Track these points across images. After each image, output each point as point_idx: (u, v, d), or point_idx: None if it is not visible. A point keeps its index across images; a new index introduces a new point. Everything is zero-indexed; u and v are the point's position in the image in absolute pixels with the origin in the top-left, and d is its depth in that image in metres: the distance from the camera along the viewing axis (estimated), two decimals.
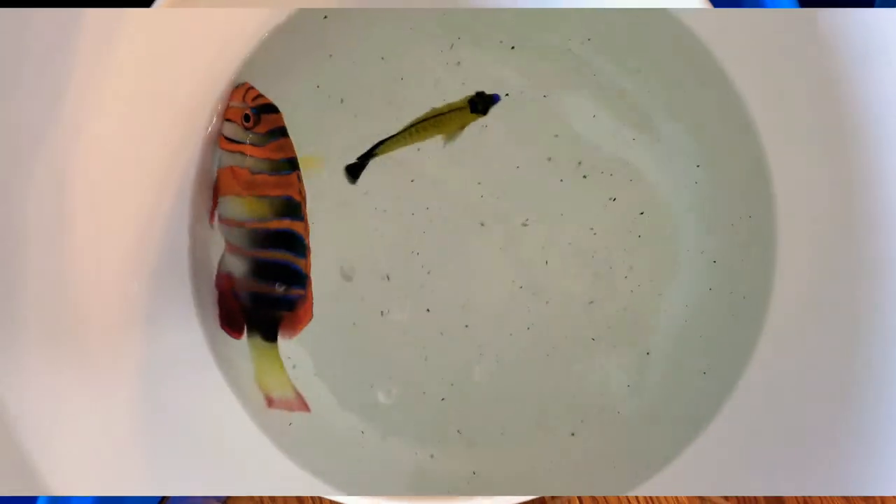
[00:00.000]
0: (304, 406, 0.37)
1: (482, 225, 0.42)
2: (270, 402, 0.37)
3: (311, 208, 0.37)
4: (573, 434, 0.42)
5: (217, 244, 0.37)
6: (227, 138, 0.35)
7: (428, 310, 0.42)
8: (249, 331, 0.36)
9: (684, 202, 0.42)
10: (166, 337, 0.37)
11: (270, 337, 0.36)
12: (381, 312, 0.42)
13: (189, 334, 0.38)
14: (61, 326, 0.33)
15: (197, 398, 0.38)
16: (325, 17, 0.38)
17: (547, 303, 0.42)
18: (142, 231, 0.36)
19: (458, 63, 0.41)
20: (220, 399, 0.38)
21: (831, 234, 0.38)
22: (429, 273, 0.42)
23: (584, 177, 0.42)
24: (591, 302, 0.42)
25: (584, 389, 0.42)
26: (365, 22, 0.39)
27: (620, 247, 0.42)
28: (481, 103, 0.40)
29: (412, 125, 0.39)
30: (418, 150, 0.40)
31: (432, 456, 0.42)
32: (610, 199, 0.42)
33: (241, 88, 0.36)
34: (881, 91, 0.35)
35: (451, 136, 0.40)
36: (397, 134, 0.39)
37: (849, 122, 0.36)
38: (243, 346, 0.37)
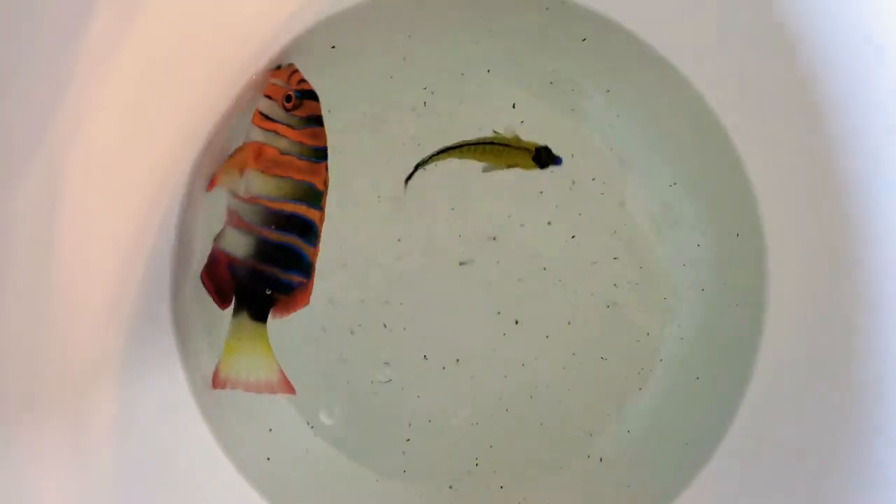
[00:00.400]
0: (290, 388, 0.36)
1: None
2: (222, 383, 0.36)
3: None
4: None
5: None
6: (263, 114, 0.35)
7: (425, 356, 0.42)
8: (237, 307, 0.36)
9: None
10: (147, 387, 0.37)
11: (260, 317, 0.36)
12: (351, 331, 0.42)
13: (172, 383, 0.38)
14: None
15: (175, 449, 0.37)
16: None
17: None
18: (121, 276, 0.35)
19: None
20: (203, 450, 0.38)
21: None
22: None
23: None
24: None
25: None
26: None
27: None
28: (546, 158, 0.40)
29: (473, 143, 0.40)
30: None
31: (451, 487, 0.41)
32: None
33: (286, 69, 0.36)
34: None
35: (494, 168, 0.40)
36: (453, 147, 0.40)
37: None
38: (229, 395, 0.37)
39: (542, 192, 0.41)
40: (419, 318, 0.41)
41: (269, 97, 0.35)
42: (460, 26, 0.40)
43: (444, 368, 0.41)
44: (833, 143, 0.35)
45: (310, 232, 0.36)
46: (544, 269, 0.42)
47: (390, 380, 0.41)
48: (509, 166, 0.40)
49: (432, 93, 0.41)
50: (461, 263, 0.41)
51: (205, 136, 0.37)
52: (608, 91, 0.41)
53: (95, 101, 0.30)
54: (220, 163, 0.36)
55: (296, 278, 0.36)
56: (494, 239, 0.41)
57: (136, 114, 0.32)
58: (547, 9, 0.39)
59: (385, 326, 0.41)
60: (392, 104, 0.41)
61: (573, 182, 0.41)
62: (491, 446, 0.41)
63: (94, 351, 0.33)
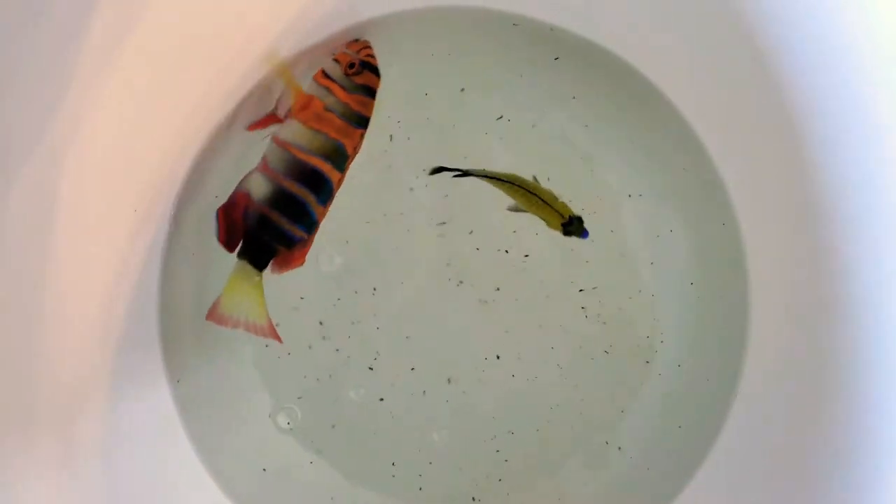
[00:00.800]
0: (276, 335, 0.37)
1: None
2: (217, 317, 0.36)
3: None
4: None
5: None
6: (324, 72, 0.37)
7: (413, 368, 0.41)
8: (241, 252, 0.36)
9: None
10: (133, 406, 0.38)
11: (260, 265, 0.36)
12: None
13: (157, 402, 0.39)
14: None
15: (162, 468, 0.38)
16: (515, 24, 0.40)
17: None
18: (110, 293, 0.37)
19: None
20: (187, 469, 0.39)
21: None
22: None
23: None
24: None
25: None
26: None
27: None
28: (575, 229, 0.40)
29: (512, 181, 0.40)
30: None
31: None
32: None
33: (361, 42, 0.38)
34: None
35: (520, 210, 0.40)
36: (493, 176, 0.40)
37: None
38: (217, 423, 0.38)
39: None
40: (410, 334, 0.41)
41: (336, 61, 0.37)
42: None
43: (436, 386, 0.41)
44: (808, 151, 0.35)
45: (324, 190, 0.36)
46: (540, 286, 0.41)
47: (382, 398, 0.41)
48: (536, 212, 0.40)
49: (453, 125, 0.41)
50: (459, 283, 0.41)
51: (201, 145, 0.39)
52: (574, 98, 0.41)
53: (94, 101, 0.32)
54: (262, 110, 0.38)
55: (298, 232, 0.36)
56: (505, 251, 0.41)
57: (136, 118, 0.34)
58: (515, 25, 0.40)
59: (375, 343, 0.41)
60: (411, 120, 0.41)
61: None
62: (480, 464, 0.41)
63: (83, 368, 0.35)
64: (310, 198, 0.36)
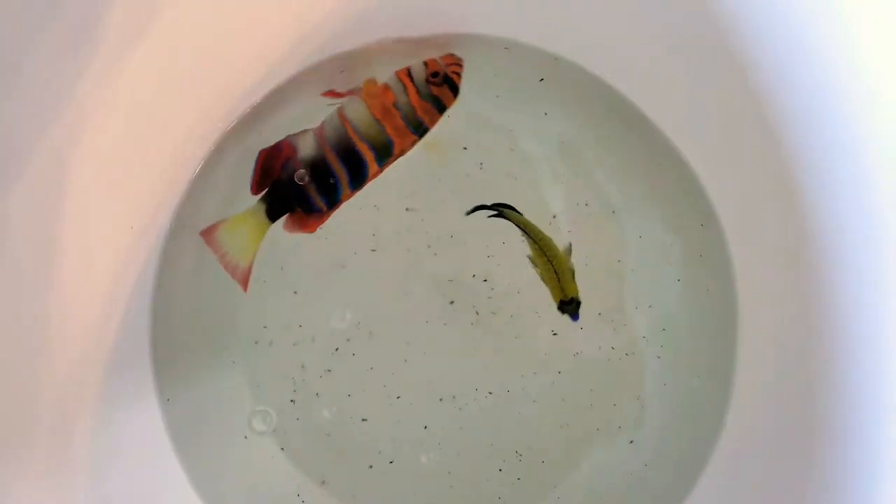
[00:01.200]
0: (245, 284, 0.37)
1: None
2: (209, 236, 0.37)
3: None
4: None
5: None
6: (408, 72, 0.38)
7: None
8: (263, 198, 0.37)
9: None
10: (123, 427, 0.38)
11: (273, 216, 0.37)
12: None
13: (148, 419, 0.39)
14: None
15: (151, 488, 0.39)
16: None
17: None
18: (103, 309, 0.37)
19: None
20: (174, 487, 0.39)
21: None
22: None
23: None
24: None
25: None
26: None
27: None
28: (568, 308, 0.41)
29: (534, 233, 0.41)
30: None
31: None
32: None
33: (454, 57, 0.38)
34: None
35: (534, 266, 0.41)
36: (521, 224, 0.41)
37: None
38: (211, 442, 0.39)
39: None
40: (406, 357, 0.41)
41: (424, 64, 0.38)
42: None
43: (427, 405, 0.41)
44: (786, 156, 0.35)
45: (358, 176, 0.37)
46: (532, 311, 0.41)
47: (365, 419, 0.41)
48: (541, 276, 0.41)
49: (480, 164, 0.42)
50: (451, 302, 0.41)
51: (201, 160, 0.40)
52: (546, 114, 0.41)
53: (103, 102, 0.32)
54: (342, 84, 0.39)
55: (320, 203, 0.37)
56: (485, 280, 0.41)
57: (136, 131, 0.35)
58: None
59: (364, 364, 0.41)
60: None
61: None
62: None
63: (75, 387, 0.35)
64: (343, 177, 0.37)
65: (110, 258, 0.37)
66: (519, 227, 0.41)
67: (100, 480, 0.35)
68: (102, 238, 0.36)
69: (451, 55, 0.38)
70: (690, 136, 0.40)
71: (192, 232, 0.39)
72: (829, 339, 0.34)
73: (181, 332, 0.40)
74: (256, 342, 0.41)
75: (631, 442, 0.41)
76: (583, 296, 0.41)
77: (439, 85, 0.37)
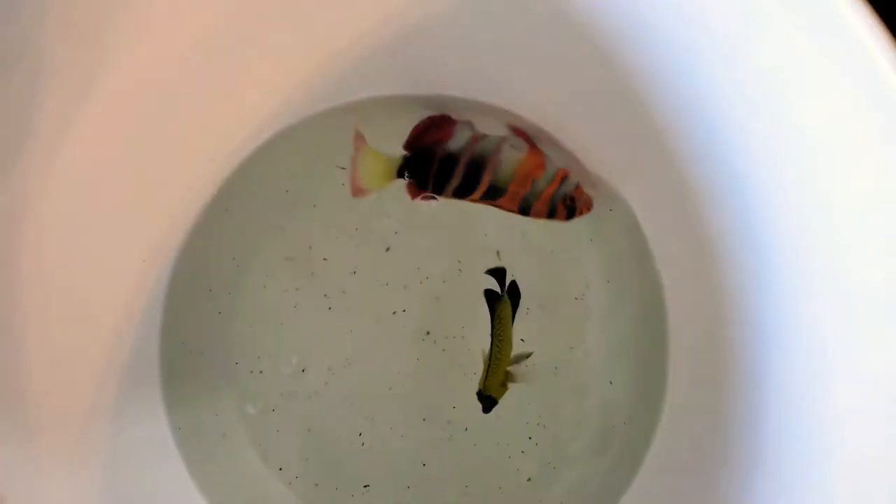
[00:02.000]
0: (354, 193, 0.42)
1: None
2: (354, 161, 0.42)
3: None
4: None
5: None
6: (564, 177, 0.42)
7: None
8: (404, 156, 0.42)
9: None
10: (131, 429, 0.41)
11: (403, 173, 0.42)
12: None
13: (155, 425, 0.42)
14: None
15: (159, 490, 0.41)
16: None
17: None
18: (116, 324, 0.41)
19: None
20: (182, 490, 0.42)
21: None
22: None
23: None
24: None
25: None
26: None
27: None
28: (484, 402, 0.44)
29: (498, 328, 0.44)
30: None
31: None
32: None
33: (591, 202, 0.43)
34: None
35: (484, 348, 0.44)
36: (495, 331, 0.44)
37: None
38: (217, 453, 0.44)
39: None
40: (390, 385, 0.45)
41: (576, 186, 0.43)
42: None
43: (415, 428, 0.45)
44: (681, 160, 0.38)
45: (466, 188, 0.42)
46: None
47: (363, 443, 0.45)
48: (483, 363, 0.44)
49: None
50: (427, 333, 0.45)
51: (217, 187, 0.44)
52: None
53: (100, 146, 0.36)
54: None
55: (430, 187, 0.42)
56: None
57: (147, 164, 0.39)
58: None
59: (352, 392, 0.45)
60: None
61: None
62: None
63: (86, 402, 0.38)
64: (455, 181, 0.42)
65: (121, 290, 0.41)
66: (493, 316, 0.44)
67: (110, 490, 0.38)
68: (115, 272, 0.40)
69: (590, 197, 0.45)
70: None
71: (202, 255, 0.44)
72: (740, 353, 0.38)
73: (185, 356, 0.44)
74: (251, 371, 0.45)
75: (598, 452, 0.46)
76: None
77: (566, 206, 0.43)
